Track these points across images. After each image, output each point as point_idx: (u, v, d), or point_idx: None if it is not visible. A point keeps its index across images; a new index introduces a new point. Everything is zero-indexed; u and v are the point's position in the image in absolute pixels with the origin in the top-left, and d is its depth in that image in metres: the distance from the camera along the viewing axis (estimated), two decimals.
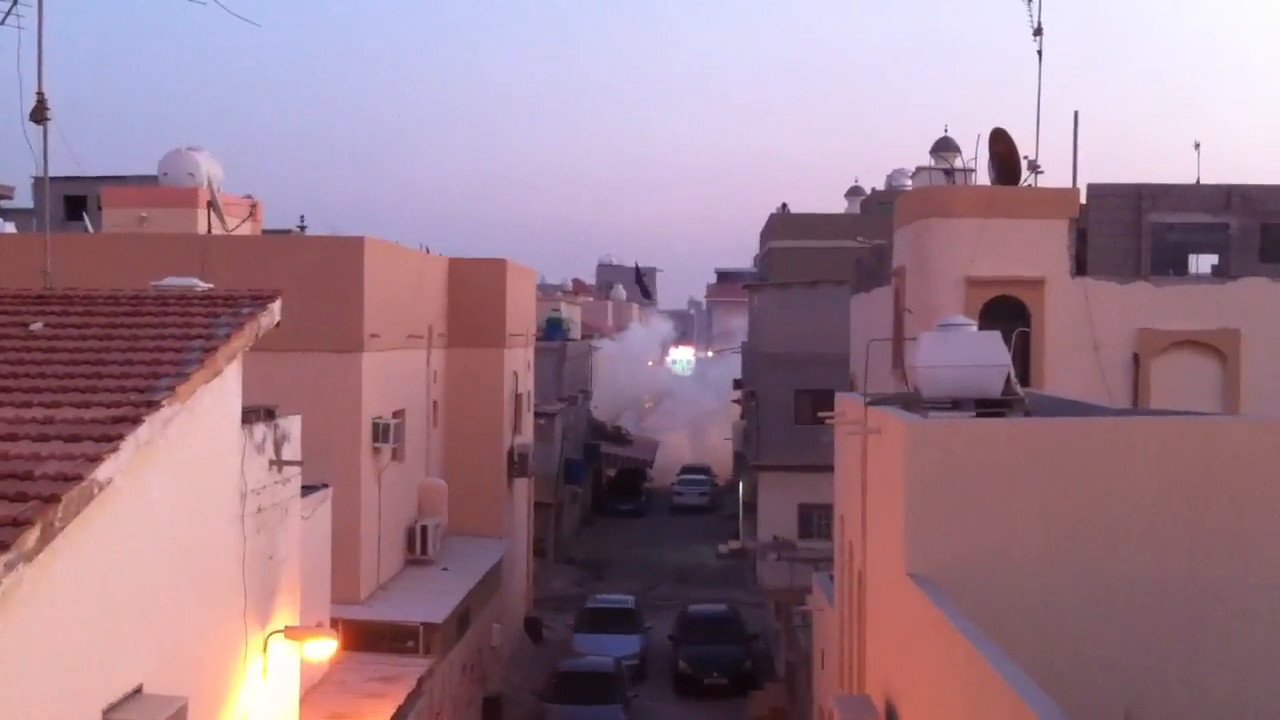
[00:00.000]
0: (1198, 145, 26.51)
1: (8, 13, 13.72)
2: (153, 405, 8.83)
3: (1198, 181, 24.40)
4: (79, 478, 7.56)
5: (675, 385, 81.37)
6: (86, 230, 32.53)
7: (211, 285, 12.18)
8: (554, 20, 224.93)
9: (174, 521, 9.64)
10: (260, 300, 11.27)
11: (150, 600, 9.16)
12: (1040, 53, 23.52)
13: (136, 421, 8.50)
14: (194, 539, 10.14)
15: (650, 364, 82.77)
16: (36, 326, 10.41)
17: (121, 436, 8.21)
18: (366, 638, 22.18)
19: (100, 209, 32.42)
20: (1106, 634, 11.54)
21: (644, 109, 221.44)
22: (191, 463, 9.98)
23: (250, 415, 11.68)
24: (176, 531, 9.70)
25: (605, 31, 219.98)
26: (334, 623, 19.09)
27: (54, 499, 7.24)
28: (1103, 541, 11.76)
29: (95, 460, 7.81)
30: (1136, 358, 21.92)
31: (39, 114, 12.82)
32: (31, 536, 6.93)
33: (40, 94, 12.82)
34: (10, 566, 6.77)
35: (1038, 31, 23.54)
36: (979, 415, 13.81)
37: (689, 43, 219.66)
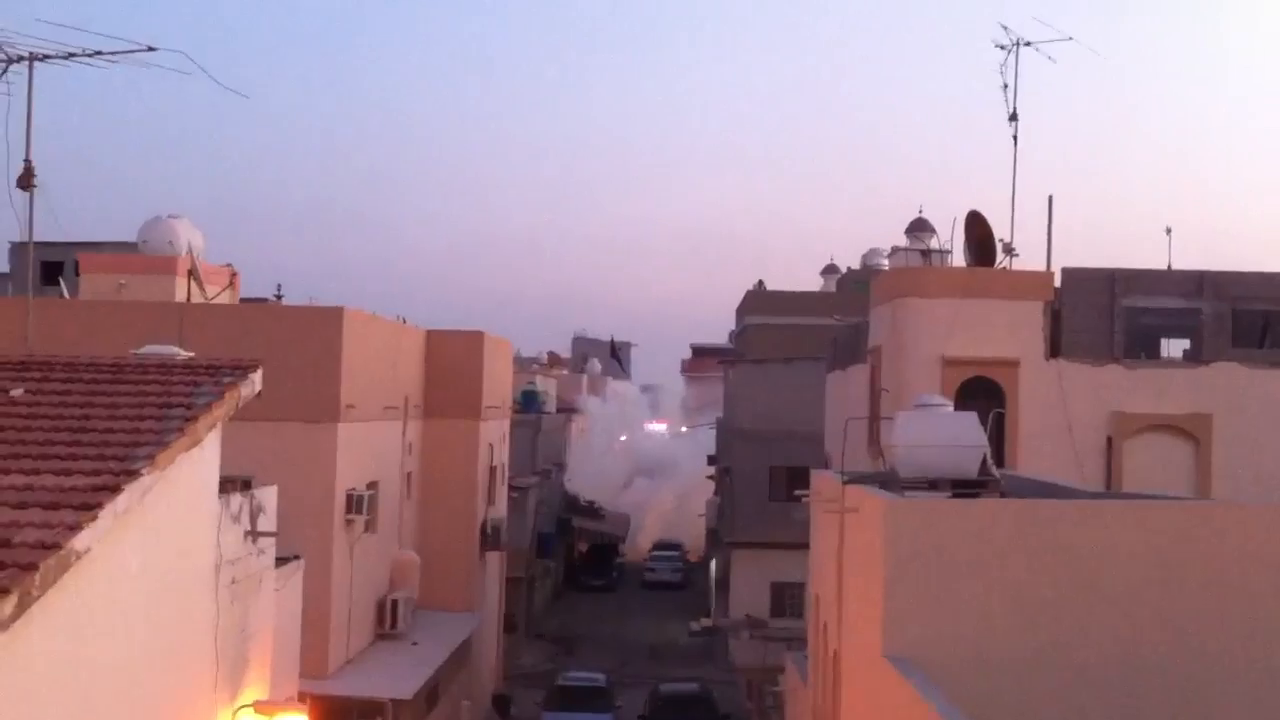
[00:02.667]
0: (1169, 230, 26.99)
1: None
2: (132, 474, 8.78)
3: (1169, 266, 24.76)
4: (58, 546, 7.50)
5: (669, 452, 79.68)
6: (63, 296, 32.43)
7: (192, 354, 12.16)
8: (529, 96, 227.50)
9: (149, 591, 9.55)
10: (241, 370, 11.25)
11: (122, 671, 9.06)
12: (1016, 138, 23.94)
13: (116, 490, 8.45)
14: (168, 609, 10.04)
15: (623, 438, 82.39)
16: (17, 393, 10.37)
17: (100, 505, 8.15)
18: (334, 713, 21.87)
19: (78, 275, 32.35)
20: (1084, 714, 11.53)
21: (620, 184, 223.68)
22: (168, 532, 9.91)
23: (227, 485, 11.62)
24: (151, 601, 9.60)
25: (581, 107, 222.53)
26: (301, 697, 18.81)
27: (32, 567, 7.18)
28: (1079, 621, 11.79)
29: (74, 529, 7.75)
30: (1110, 440, 22.07)
31: (26, 181, 12.87)
32: (9, 604, 6.86)
33: (28, 161, 12.88)
34: None
35: (1013, 117, 23.97)
36: (955, 495, 13.88)
37: (665, 120, 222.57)
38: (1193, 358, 22.91)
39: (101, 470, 8.76)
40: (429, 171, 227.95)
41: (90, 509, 8.08)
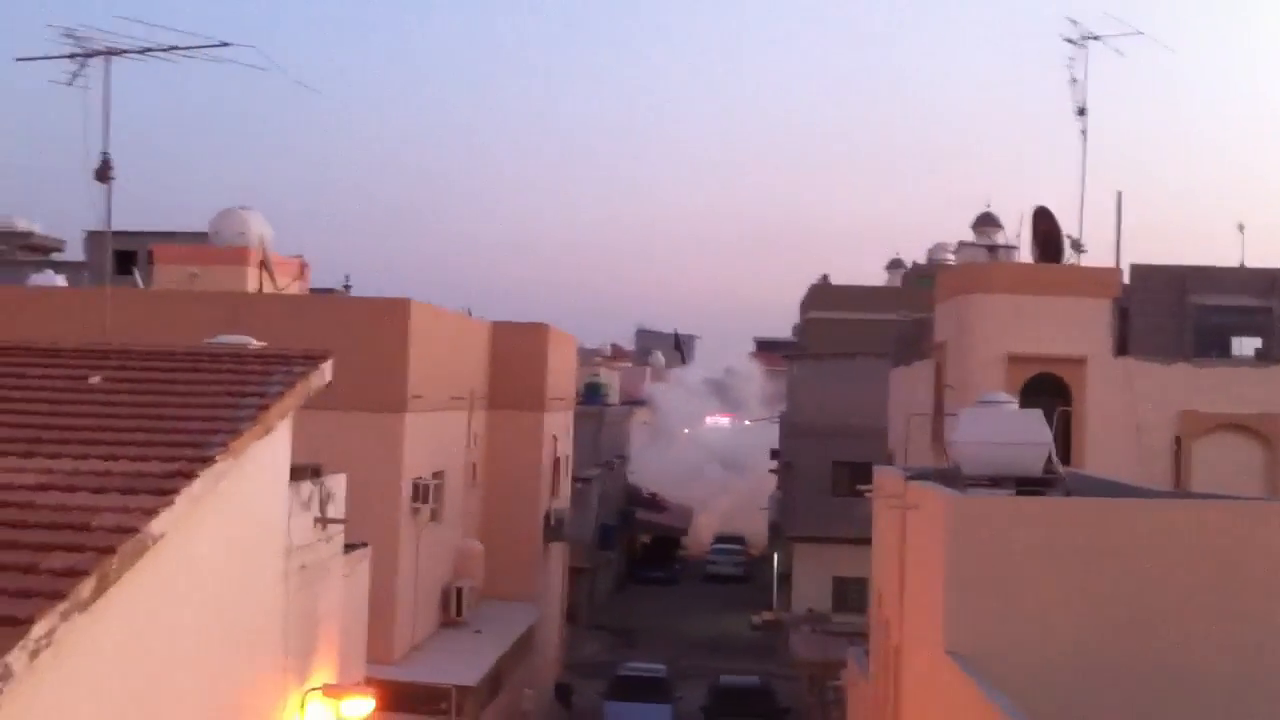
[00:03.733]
0: (1242, 227, 26.63)
1: (75, 74, 14.14)
2: (206, 460, 8.99)
3: (1242, 264, 24.42)
4: (134, 530, 7.70)
5: (733, 445, 78.71)
6: (137, 285, 33.02)
7: (265, 344, 12.38)
8: (595, 86, 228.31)
9: (220, 575, 9.77)
10: (312, 360, 11.44)
11: (194, 654, 9.27)
12: (1084, 133, 23.72)
13: (190, 476, 8.65)
14: (239, 593, 10.26)
15: (686, 431, 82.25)
16: (94, 380, 10.63)
17: (176, 490, 8.36)
18: (399, 699, 22.09)
19: (151, 264, 32.94)
20: (1145, 714, 11.45)
21: (684, 177, 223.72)
22: (241, 518, 10.13)
23: (297, 473, 11.83)
24: (222, 585, 9.82)
25: (646, 97, 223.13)
26: (368, 681, 19.05)
27: (110, 550, 7.38)
28: (1142, 622, 11.70)
29: (151, 513, 7.96)
30: (1178, 439, 21.82)
31: (103, 174, 13.18)
32: (87, 587, 7.06)
33: (105, 154, 13.18)
34: (66, 616, 6.90)
35: (1081, 112, 23.75)
36: (1019, 493, 13.81)
37: (731, 111, 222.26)
38: (1264, 357, 22.59)
39: (177, 456, 8.97)
40: (494, 167, 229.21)
41: (166, 494, 8.29)
